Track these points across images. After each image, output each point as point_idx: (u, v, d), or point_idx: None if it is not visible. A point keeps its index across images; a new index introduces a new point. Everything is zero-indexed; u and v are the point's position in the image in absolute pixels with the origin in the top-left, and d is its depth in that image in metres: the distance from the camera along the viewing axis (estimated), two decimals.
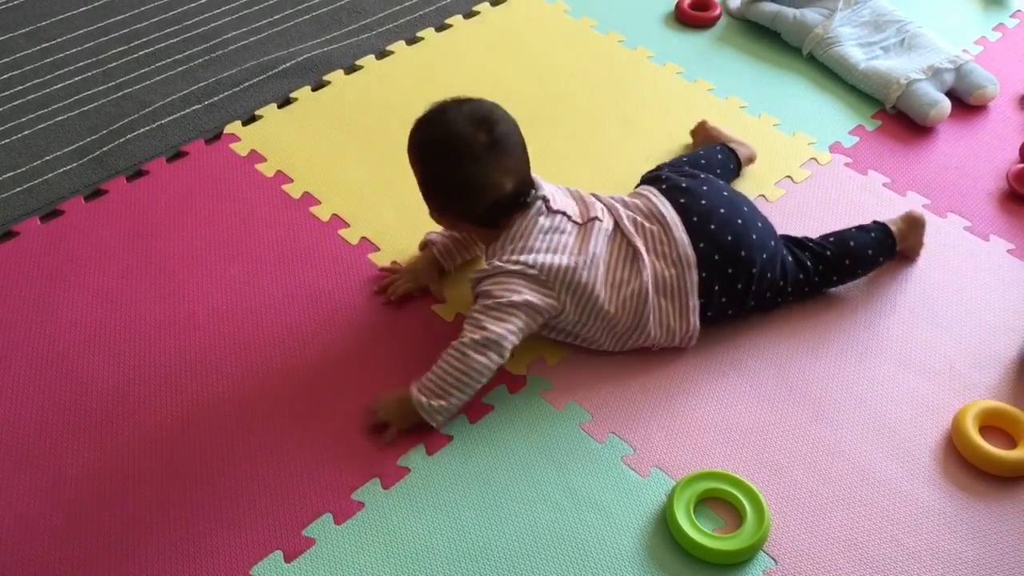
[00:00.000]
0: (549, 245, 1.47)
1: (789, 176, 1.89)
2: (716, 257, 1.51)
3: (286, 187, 1.82)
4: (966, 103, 2.06)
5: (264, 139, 1.92)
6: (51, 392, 1.48)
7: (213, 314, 1.60)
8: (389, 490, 1.37)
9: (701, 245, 1.51)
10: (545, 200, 1.50)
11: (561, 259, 1.46)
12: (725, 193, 1.59)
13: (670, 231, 1.51)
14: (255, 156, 1.88)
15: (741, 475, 1.39)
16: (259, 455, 1.41)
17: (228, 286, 1.64)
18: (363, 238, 1.73)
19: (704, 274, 1.51)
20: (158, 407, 1.46)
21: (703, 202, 1.54)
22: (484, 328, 1.42)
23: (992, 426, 1.48)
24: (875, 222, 1.68)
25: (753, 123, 2.02)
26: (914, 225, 1.69)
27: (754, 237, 1.54)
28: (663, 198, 1.56)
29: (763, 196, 1.84)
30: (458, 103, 1.46)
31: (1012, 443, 1.46)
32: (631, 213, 1.55)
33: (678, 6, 2.30)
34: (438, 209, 1.50)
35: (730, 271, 1.52)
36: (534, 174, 1.52)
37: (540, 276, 1.45)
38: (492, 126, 1.43)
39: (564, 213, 1.50)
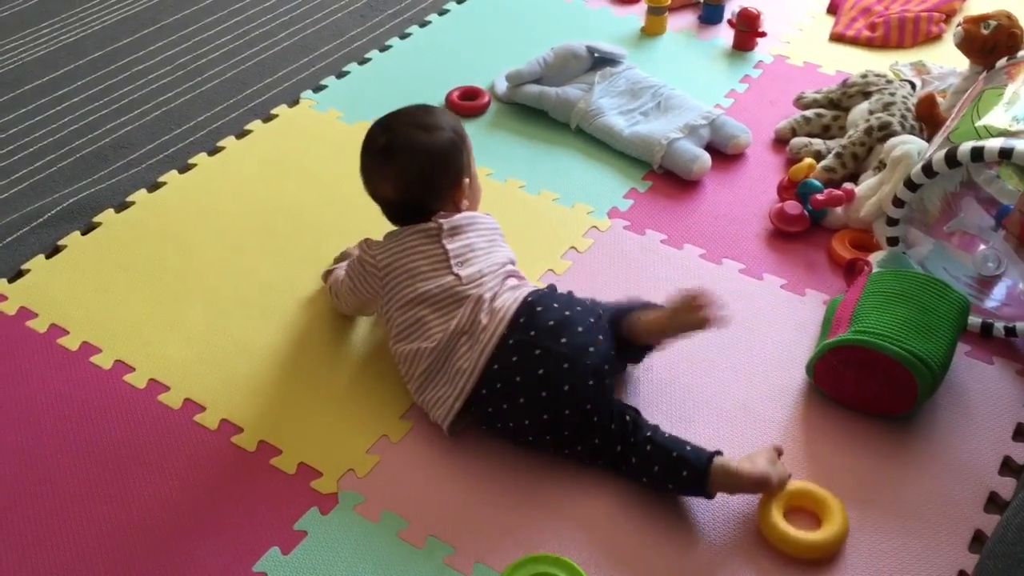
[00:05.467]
0: (405, 262, 1.57)
1: (574, 247, 1.94)
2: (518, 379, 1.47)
3: (62, 340, 1.73)
4: (724, 153, 2.19)
5: (33, 293, 1.83)
6: None
7: None
8: None
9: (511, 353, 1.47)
10: (440, 228, 1.58)
11: (399, 274, 1.57)
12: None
13: (486, 334, 1.49)
14: (25, 313, 1.78)
15: (563, 554, 1.39)
16: None
17: (3, 456, 1.53)
18: (151, 380, 1.66)
19: (483, 391, 1.48)
20: None
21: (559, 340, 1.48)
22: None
23: (798, 507, 1.44)
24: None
25: (533, 201, 2.07)
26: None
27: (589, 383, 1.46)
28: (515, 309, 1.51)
29: (551, 271, 1.88)
30: (415, 108, 1.67)
31: (818, 523, 1.42)
32: (488, 302, 1.53)
33: (448, 97, 2.35)
34: None
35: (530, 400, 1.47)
36: (485, 212, 1.69)
37: (378, 273, 1.59)
38: (392, 134, 1.59)
39: (446, 251, 1.57)
